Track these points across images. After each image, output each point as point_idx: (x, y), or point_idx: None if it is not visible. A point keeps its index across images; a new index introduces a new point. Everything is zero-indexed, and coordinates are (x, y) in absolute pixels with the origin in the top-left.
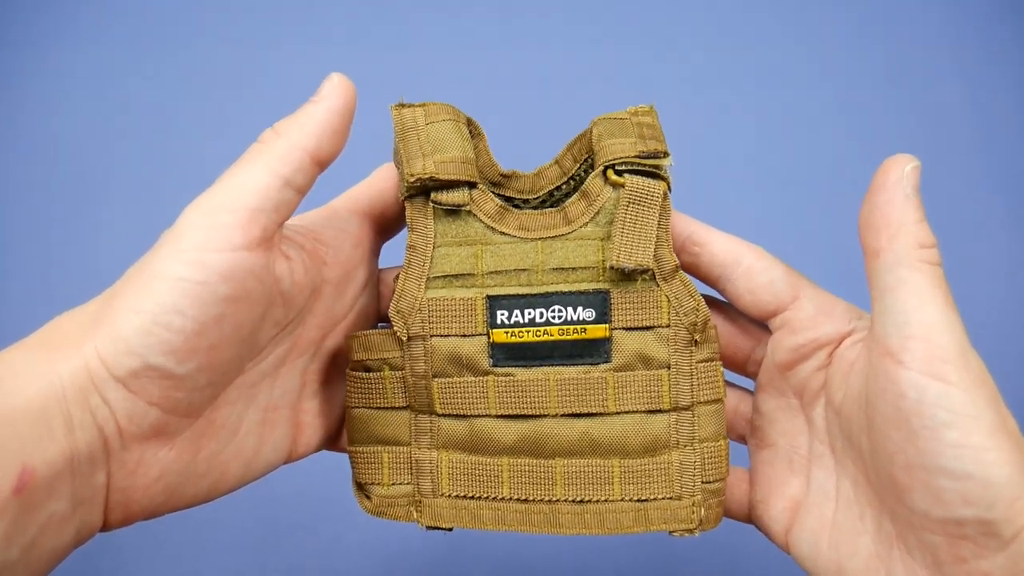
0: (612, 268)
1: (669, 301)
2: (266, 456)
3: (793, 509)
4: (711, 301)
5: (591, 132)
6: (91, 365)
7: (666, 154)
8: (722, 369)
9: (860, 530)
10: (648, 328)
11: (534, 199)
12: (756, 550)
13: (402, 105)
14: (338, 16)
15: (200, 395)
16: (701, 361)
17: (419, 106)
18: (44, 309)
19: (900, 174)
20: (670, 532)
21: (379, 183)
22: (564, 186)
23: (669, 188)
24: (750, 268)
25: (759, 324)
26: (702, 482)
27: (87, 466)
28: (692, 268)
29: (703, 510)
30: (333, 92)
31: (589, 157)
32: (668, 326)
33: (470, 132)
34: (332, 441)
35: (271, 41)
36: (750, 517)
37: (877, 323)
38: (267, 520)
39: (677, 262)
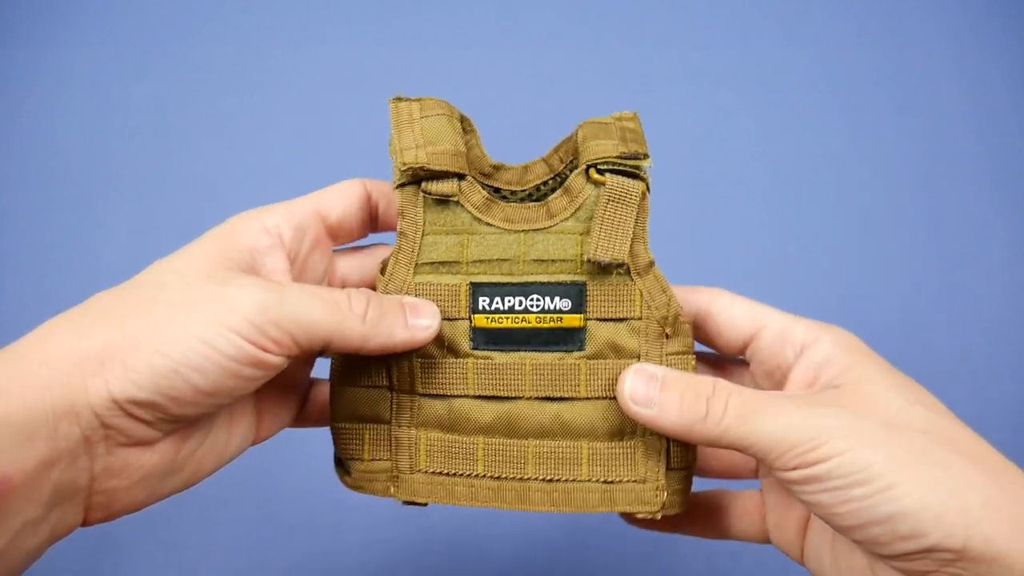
0: (589, 261)
1: (642, 295)
2: (235, 445)
3: (801, 530)
4: (698, 356)
5: (576, 134)
6: (91, 384)
7: (646, 156)
8: (694, 364)
9: (853, 546)
10: (621, 320)
11: (521, 192)
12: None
13: (399, 99)
14: (338, 16)
15: (188, 420)
16: (672, 354)
17: (415, 100)
18: (44, 309)
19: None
20: (634, 514)
21: (345, 198)
22: (551, 182)
23: (648, 189)
24: (712, 313)
25: (741, 362)
26: (667, 468)
27: (69, 472)
28: None
29: (667, 494)
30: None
31: (575, 159)
32: (640, 318)
33: (463, 128)
34: (293, 422)
35: (271, 41)
36: (770, 540)
37: (755, 457)
38: (267, 520)
39: (652, 259)
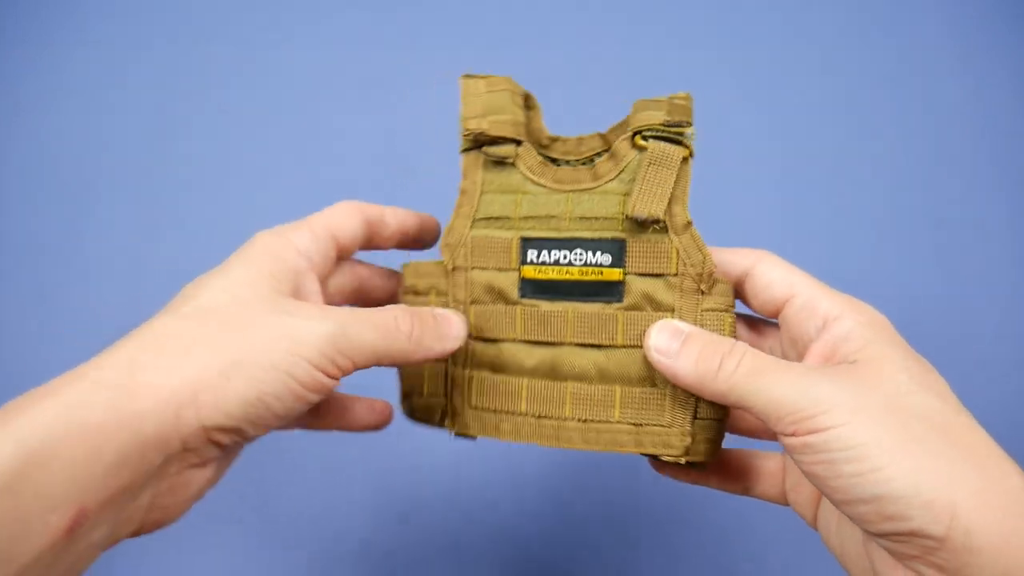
0: (628, 219)
1: (678, 253)
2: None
3: (816, 495)
4: (738, 316)
5: (633, 108)
6: (183, 415)
7: (689, 124)
8: (733, 322)
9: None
10: (658, 275)
11: (575, 160)
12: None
13: (468, 75)
14: (339, 16)
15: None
16: (707, 310)
17: (482, 77)
18: (43, 308)
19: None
20: (660, 456)
21: (351, 222)
22: (604, 154)
23: (691, 155)
24: (753, 275)
25: (776, 325)
26: (694, 417)
27: (138, 494)
28: None
29: (692, 440)
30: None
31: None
32: (676, 274)
33: (527, 104)
34: (308, 424)
35: (272, 41)
36: (787, 501)
37: (759, 416)
38: (267, 520)
39: (689, 220)
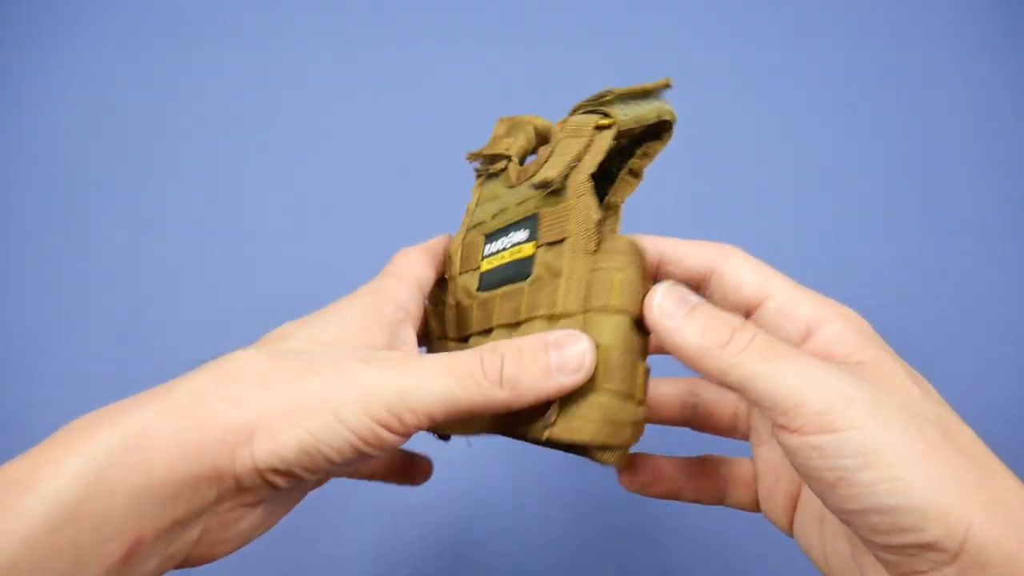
0: (532, 187)
1: (573, 215)
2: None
3: (790, 504)
4: None
5: None
6: (239, 453)
7: (611, 95)
8: (623, 282)
9: (839, 532)
10: (560, 242)
11: None
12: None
13: (502, 118)
14: (339, 15)
15: (308, 484)
16: (600, 269)
17: (511, 119)
18: (43, 308)
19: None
20: (538, 439)
21: (431, 269)
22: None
23: (608, 127)
24: (721, 273)
25: None
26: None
27: (191, 526)
28: None
29: (554, 416)
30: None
31: (630, 142)
32: (570, 236)
33: (547, 139)
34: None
35: (272, 41)
36: (759, 508)
37: (760, 404)
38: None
39: (588, 182)
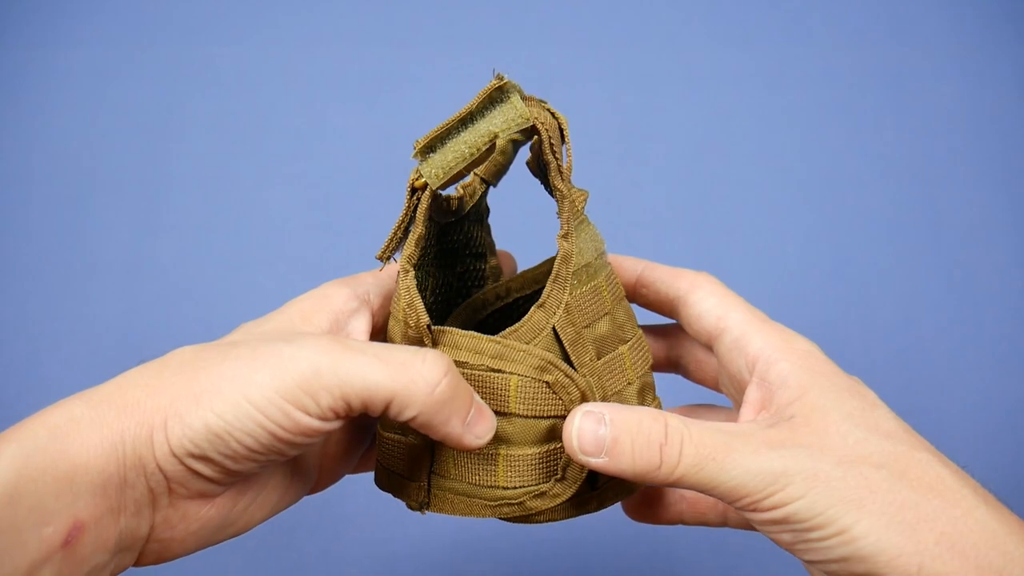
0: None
1: (398, 296)
2: (291, 497)
3: None
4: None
5: None
6: (156, 438)
7: (415, 147)
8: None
9: None
10: (393, 315)
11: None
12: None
13: None
14: (339, 15)
15: (248, 474)
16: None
17: None
18: (43, 308)
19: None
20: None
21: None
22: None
23: (424, 188)
24: (686, 303)
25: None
26: (430, 472)
27: (133, 521)
28: (647, 306)
29: (424, 494)
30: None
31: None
32: (397, 318)
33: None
34: (356, 468)
35: (272, 40)
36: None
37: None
38: (267, 520)
39: (407, 263)
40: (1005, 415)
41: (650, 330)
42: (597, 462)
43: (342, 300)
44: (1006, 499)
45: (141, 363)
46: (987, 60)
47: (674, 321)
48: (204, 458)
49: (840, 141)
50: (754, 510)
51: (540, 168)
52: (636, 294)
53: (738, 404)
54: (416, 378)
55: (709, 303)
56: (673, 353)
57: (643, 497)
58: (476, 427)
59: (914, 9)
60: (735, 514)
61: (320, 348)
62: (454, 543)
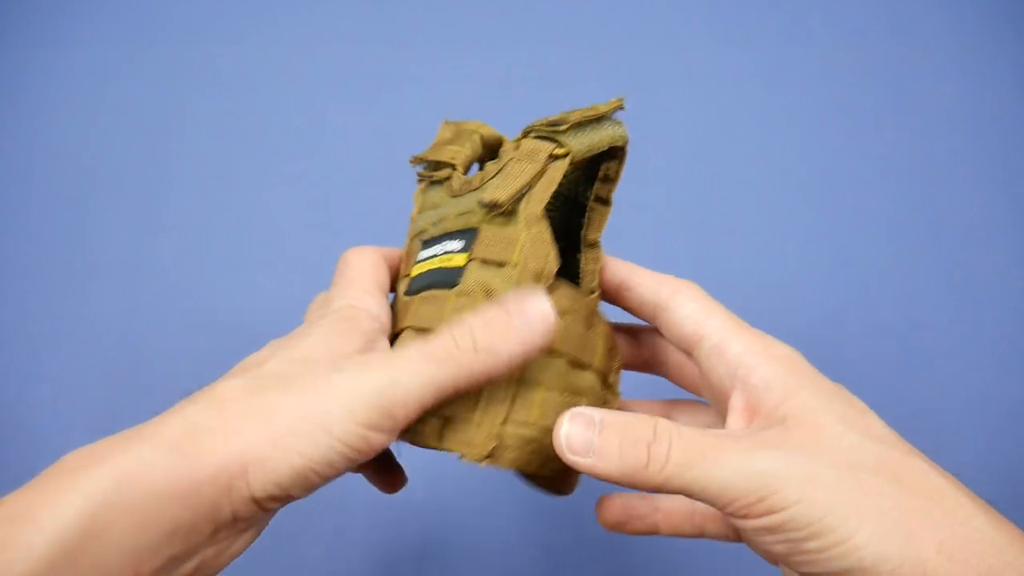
0: (480, 204)
1: (522, 244)
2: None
3: None
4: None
5: None
6: (235, 485)
7: (568, 122)
8: (571, 328)
9: None
10: (500, 265)
11: None
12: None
13: (447, 122)
14: (338, 15)
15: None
16: None
17: (456, 123)
18: (43, 308)
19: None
20: (460, 456)
21: (385, 272)
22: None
23: (562, 156)
24: (666, 309)
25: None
26: (505, 419)
27: (188, 559)
28: (629, 310)
29: (497, 442)
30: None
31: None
32: (515, 265)
33: (493, 149)
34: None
35: (272, 40)
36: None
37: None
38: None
39: (541, 214)
40: (1005, 416)
41: (630, 331)
42: (585, 462)
43: (366, 321)
44: (1006, 502)
45: (186, 396)
46: (987, 60)
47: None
48: (284, 498)
49: (840, 141)
50: (745, 516)
51: (586, 176)
52: (619, 297)
53: (722, 413)
54: (461, 359)
55: (689, 309)
56: (655, 356)
57: (619, 507)
58: (534, 325)
59: (914, 9)
60: (712, 524)
61: (377, 368)
62: (454, 543)
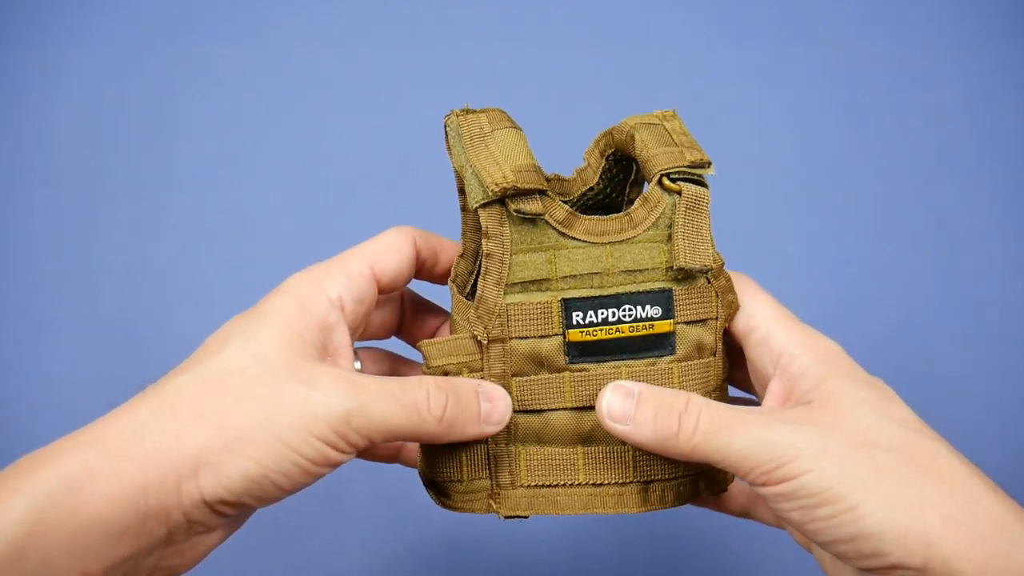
0: (675, 268)
1: (718, 295)
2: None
3: None
4: None
5: (631, 136)
6: (184, 487)
7: (709, 164)
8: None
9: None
10: (703, 321)
11: (567, 200)
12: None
13: (467, 111)
14: (339, 15)
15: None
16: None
17: (482, 112)
18: (43, 308)
19: None
20: (714, 493)
21: (398, 257)
22: (596, 186)
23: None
24: (770, 344)
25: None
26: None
27: (143, 560)
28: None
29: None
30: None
31: (617, 153)
32: (716, 318)
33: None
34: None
35: (272, 41)
36: (781, 525)
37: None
38: (267, 520)
39: (723, 260)
40: (1005, 417)
41: None
42: (623, 428)
43: (322, 311)
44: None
45: (140, 388)
46: (987, 60)
47: None
48: (236, 503)
49: (840, 141)
50: (764, 483)
51: (622, 173)
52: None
53: (763, 399)
54: (427, 417)
55: (741, 300)
56: None
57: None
58: (491, 418)
59: (914, 9)
60: (758, 508)
61: (347, 393)
62: (454, 543)
